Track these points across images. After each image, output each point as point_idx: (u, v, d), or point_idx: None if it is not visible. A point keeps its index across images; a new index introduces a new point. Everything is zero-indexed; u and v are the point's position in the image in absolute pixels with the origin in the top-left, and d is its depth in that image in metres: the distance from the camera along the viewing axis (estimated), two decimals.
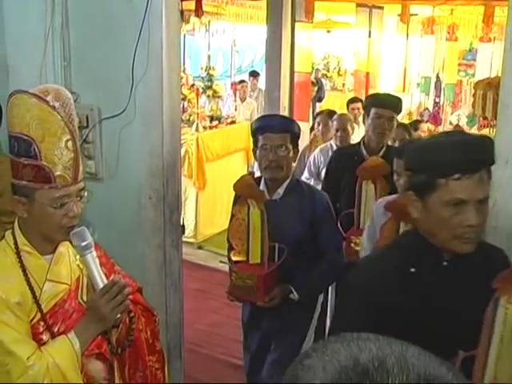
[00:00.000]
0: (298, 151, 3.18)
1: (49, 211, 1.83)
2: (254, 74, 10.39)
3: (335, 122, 5.06)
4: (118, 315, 1.89)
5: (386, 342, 0.67)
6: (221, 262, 6.32)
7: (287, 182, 3.06)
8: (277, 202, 3.05)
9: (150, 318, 2.17)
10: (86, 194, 1.93)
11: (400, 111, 3.89)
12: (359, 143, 3.88)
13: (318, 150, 5.14)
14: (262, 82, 9.51)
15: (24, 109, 1.79)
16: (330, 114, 5.73)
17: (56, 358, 1.79)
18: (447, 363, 0.66)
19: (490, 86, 6.50)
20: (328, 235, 3.08)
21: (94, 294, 1.86)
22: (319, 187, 4.94)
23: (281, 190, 3.05)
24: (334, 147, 4.94)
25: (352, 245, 3.49)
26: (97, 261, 1.88)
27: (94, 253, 1.88)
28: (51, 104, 1.79)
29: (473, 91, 6.97)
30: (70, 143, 1.83)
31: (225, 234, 3.32)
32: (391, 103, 3.76)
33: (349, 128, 5.01)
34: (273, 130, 2.99)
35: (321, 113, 5.91)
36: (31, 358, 1.75)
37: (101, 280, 1.86)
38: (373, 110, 3.71)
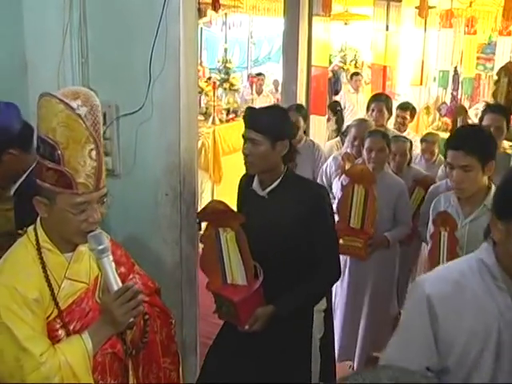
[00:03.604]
0: None
1: (68, 216, 1.84)
2: None
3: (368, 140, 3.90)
4: (131, 319, 1.89)
5: None
6: None
7: None
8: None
9: (165, 321, 2.19)
10: (107, 200, 1.93)
11: (279, 135, 2.78)
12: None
13: (331, 158, 4.68)
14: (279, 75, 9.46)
15: (52, 113, 1.79)
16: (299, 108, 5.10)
17: (68, 357, 1.80)
18: None
19: None
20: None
21: (108, 297, 1.87)
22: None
23: None
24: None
25: None
26: (113, 264, 1.89)
27: (111, 256, 1.89)
28: (78, 112, 1.79)
29: (495, 78, 6.63)
30: (93, 153, 1.83)
31: None
32: (254, 122, 2.88)
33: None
34: None
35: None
36: (44, 355, 1.77)
37: (116, 284, 1.87)
38: None
